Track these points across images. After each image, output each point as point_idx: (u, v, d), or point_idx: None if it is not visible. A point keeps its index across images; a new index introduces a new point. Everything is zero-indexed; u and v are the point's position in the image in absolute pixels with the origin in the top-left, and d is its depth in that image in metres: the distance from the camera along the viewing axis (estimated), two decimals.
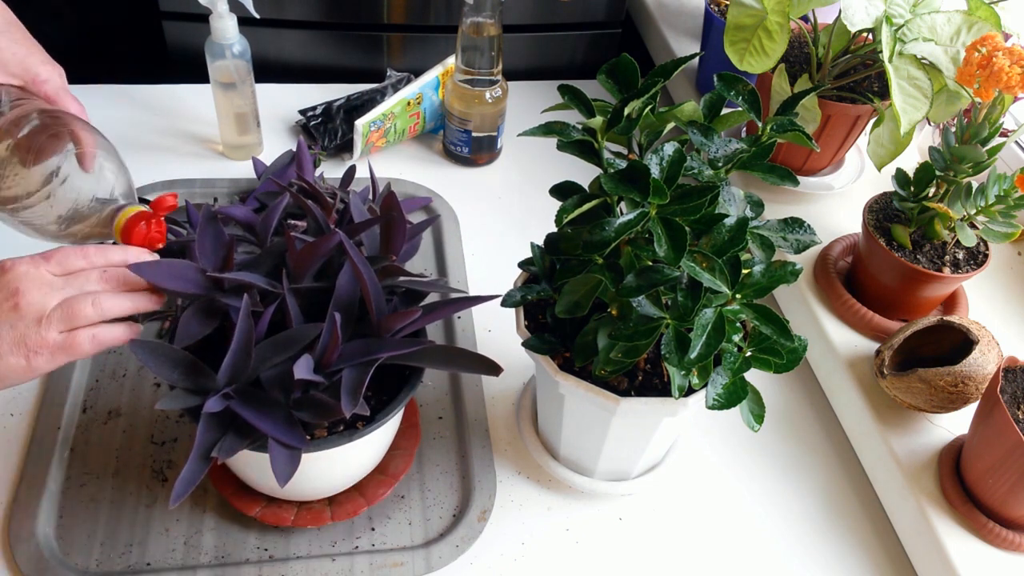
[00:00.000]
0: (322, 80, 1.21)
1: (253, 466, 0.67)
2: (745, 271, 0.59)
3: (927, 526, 0.73)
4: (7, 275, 0.58)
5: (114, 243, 0.66)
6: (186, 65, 1.21)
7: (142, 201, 0.70)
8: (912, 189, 0.82)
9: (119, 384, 0.82)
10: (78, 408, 0.80)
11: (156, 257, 0.63)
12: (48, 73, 0.70)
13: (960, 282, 0.84)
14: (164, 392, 0.79)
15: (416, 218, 1.02)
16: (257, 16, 0.97)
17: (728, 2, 1.00)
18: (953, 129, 0.80)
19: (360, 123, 1.04)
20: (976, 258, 0.83)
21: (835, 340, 0.86)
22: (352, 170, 0.94)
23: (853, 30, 0.83)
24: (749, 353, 0.62)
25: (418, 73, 1.12)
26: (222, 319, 0.64)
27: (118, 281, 0.61)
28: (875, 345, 0.86)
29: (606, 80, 0.63)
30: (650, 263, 0.59)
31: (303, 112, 1.12)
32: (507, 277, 0.75)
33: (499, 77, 1.05)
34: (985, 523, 0.71)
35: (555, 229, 0.64)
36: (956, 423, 0.79)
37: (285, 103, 1.16)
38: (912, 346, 0.80)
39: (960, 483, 0.74)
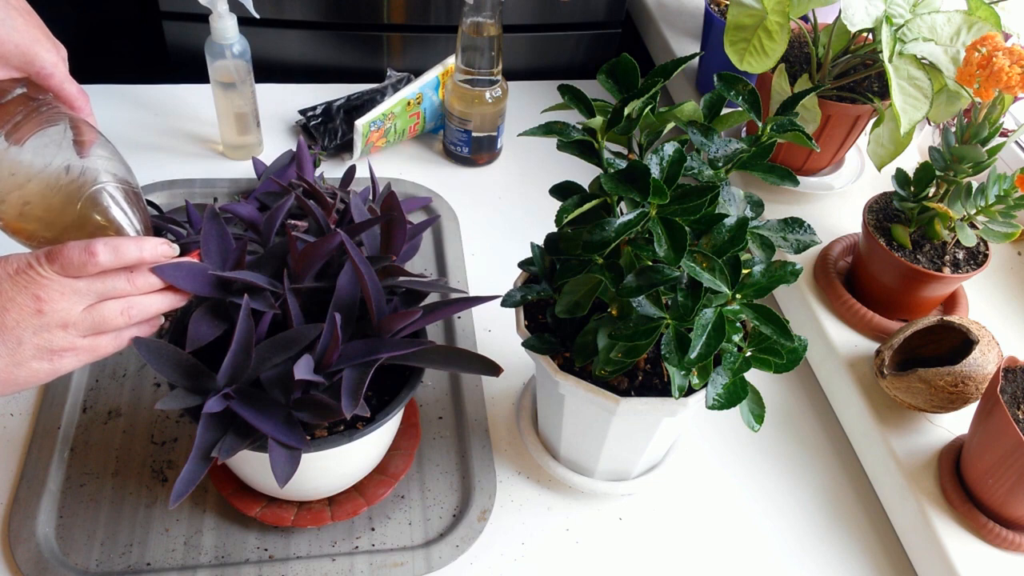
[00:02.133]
0: (322, 80, 1.21)
1: (253, 466, 0.67)
2: (745, 271, 0.60)
3: (927, 526, 0.73)
4: (21, 277, 0.56)
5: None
6: (186, 65, 1.21)
7: (149, 203, 0.68)
8: (912, 189, 0.82)
9: (119, 384, 0.82)
10: (78, 408, 0.80)
11: (174, 250, 0.61)
12: (52, 64, 0.69)
13: (960, 282, 0.84)
14: (164, 392, 0.79)
15: (416, 218, 1.02)
16: (257, 16, 0.97)
17: (728, 2, 1.00)
18: (953, 129, 0.80)
19: (360, 123, 1.04)
20: (976, 258, 0.83)
21: (835, 340, 0.86)
22: (352, 170, 0.94)
23: (853, 30, 0.83)
24: (749, 353, 0.62)
25: (418, 73, 1.12)
26: (230, 321, 0.64)
27: (146, 285, 0.59)
28: (875, 345, 0.86)
29: (606, 80, 0.63)
30: (650, 263, 0.59)
31: (303, 112, 1.12)
32: (507, 277, 0.75)
33: (499, 77, 1.05)
34: (985, 523, 0.71)
35: (555, 229, 0.64)
36: (956, 423, 0.79)
37: (285, 103, 1.16)
38: (912, 346, 0.80)
39: (960, 483, 0.74)
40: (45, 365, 0.57)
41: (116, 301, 0.58)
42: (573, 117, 0.62)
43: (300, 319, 0.64)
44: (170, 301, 0.61)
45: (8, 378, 0.56)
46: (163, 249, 0.60)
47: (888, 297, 0.85)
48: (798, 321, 0.92)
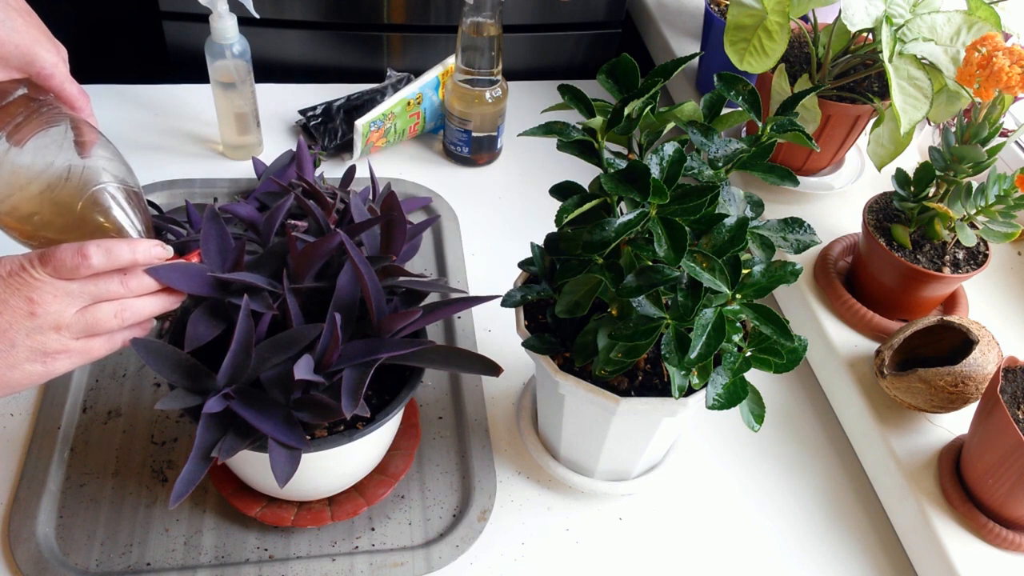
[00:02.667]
0: (322, 80, 1.21)
1: (253, 466, 0.67)
2: (745, 271, 0.60)
3: (927, 526, 0.73)
4: (14, 279, 0.56)
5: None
6: (186, 65, 1.21)
7: (149, 204, 0.68)
8: (912, 189, 0.82)
9: (119, 384, 0.82)
10: (78, 408, 0.80)
11: (168, 251, 0.61)
12: (52, 64, 0.68)
13: (960, 282, 0.84)
14: (164, 392, 0.79)
15: (416, 218, 1.02)
16: (257, 16, 0.97)
17: (728, 2, 1.00)
18: (953, 129, 0.80)
19: (360, 123, 1.04)
20: (976, 258, 0.83)
21: (835, 340, 0.86)
22: (352, 170, 0.94)
23: (853, 30, 0.83)
24: (749, 353, 0.62)
25: (418, 73, 1.12)
26: (229, 321, 0.64)
27: (140, 287, 0.59)
28: (875, 345, 0.86)
29: (606, 80, 0.63)
30: (650, 263, 0.59)
31: (303, 112, 1.12)
32: (507, 277, 0.75)
33: (499, 77, 1.05)
34: (985, 523, 0.71)
35: (555, 229, 0.64)
36: (956, 423, 0.79)
37: (285, 103, 1.16)
38: (912, 346, 0.80)
39: (960, 483, 0.74)
40: (38, 367, 0.57)
41: (109, 303, 0.58)
42: (573, 117, 0.62)
43: (300, 319, 0.64)
44: (164, 303, 0.61)
45: (1, 380, 0.56)
46: (156, 251, 0.60)
47: (888, 297, 0.85)
48: (798, 321, 0.92)
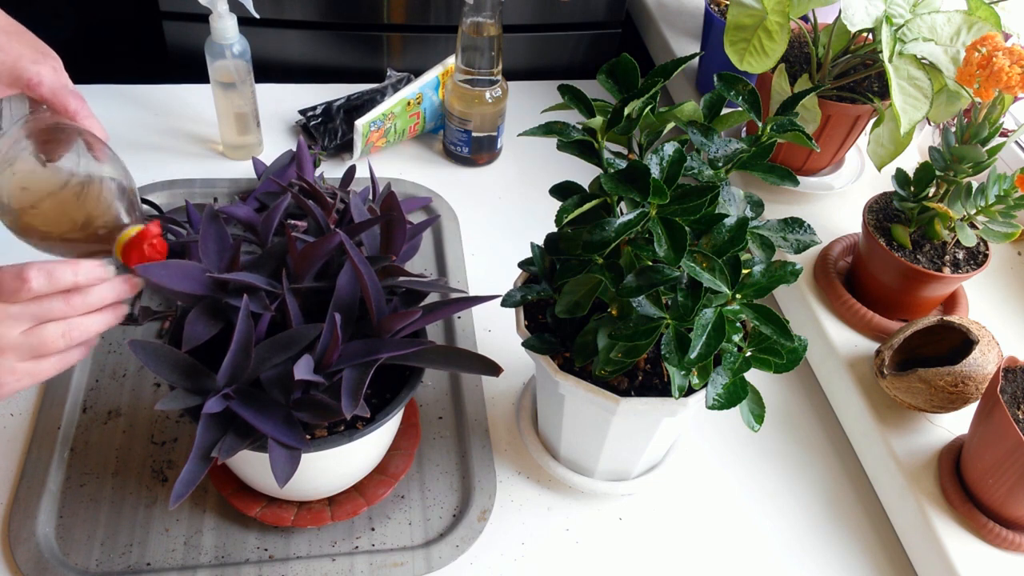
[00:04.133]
0: (322, 80, 1.21)
1: (253, 466, 0.67)
2: (745, 271, 0.60)
3: (927, 526, 0.73)
4: None
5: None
6: (186, 65, 1.22)
7: (145, 202, 0.69)
8: (912, 189, 0.82)
9: (119, 384, 0.82)
10: (78, 408, 0.80)
11: (109, 273, 0.60)
12: (39, 74, 0.69)
13: (960, 282, 0.84)
14: (164, 392, 0.79)
15: (416, 218, 1.02)
16: (257, 16, 0.97)
17: (728, 2, 1.00)
18: (953, 129, 0.80)
19: (360, 123, 1.04)
20: (976, 258, 0.83)
21: (835, 340, 0.86)
22: (352, 170, 0.94)
23: (853, 30, 0.83)
24: (749, 353, 0.62)
25: (418, 73, 1.12)
26: (227, 320, 0.64)
27: (84, 305, 0.58)
28: (875, 345, 0.86)
29: (606, 80, 0.63)
30: (650, 263, 0.59)
31: (303, 112, 1.12)
32: (507, 277, 0.75)
33: (499, 77, 1.05)
34: (985, 523, 0.71)
35: (555, 229, 0.65)
36: (956, 423, 0.79)
37: (285, 103, 1.16)
38: (912, 346, 0.80)
39: (960, 483, 0.74)
40: None
41: (55, 324, 0.58)
42: (573, 117, 0.62)
43: (300, 319, 0.64)
44: (110, 319, 0.61)
45: None
46: (98, 272, 0.59)
47: (888, 297, 0.85)
48: (798, 321, 0.92)
